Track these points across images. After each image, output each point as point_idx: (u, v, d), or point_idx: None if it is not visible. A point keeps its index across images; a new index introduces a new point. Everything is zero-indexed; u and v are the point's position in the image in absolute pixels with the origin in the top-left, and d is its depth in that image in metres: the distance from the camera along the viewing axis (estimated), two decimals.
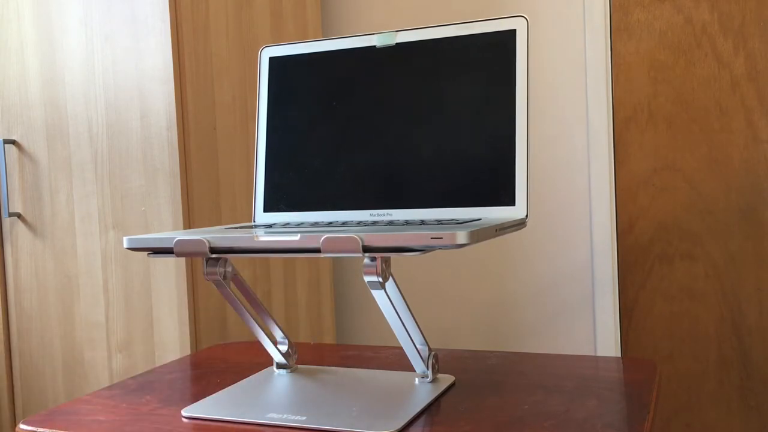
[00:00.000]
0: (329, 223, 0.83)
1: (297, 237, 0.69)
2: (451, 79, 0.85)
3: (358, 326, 1.91)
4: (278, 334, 0.89)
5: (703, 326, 1.62)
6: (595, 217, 1.65)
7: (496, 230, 0.72)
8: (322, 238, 0.67)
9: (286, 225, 0.86)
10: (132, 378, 0.93)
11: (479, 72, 0.84)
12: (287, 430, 0.69)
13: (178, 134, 1.31)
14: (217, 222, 1.40)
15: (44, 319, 1.48)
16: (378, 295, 0.72)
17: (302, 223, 0.86)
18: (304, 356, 1.00)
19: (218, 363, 1.00)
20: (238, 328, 1.45)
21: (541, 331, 1.73)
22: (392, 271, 0.73)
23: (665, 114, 1.62)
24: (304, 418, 0.71)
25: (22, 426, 0.76)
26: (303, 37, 1.72)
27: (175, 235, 0.76)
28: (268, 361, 0.98)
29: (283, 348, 0.89)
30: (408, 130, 0.86)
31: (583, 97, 1.66)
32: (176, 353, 1.34)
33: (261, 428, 0.70)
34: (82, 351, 1.44)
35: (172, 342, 1.34)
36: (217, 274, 0.78)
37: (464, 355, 0.97)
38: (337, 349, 1.05)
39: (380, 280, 0.70)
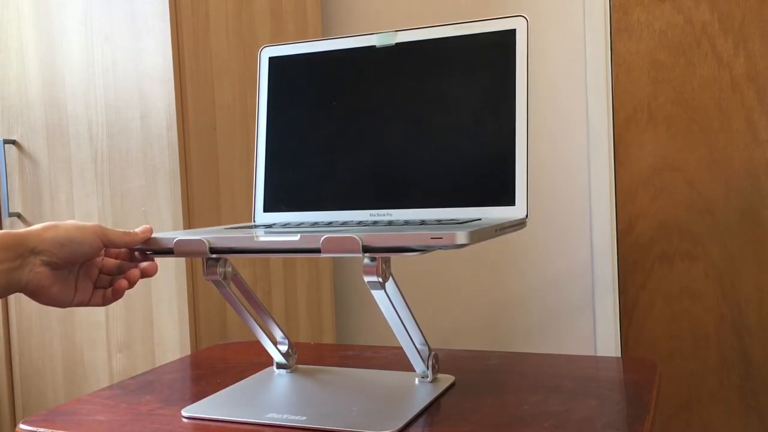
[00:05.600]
0: (329, 223, 0.83)
1: (297, 237, 0.69)
2: (451, 78, 0.85)
3: (358, 326, 1.91)
4: (278, 334, 0.89)
5: (703, 326, 1.62)
6: (595, 217, 1.65)
7: (496, 230, 0.72)
8: (322, 238, 0.67)
9: (286, 225, 0.86)
10: (132, 378, 0.93)
11: (479, 72, 0.84)
12: (287, 430, 0.69)
13: (178, 134, 1.31)
14: (217, 222, 1.40)
15: (44, 319, 1.48)
16: (378, 295, 0.72)
17: (302, 223, 0.86)
18: (304, 356, 1.00)
19: (218, 363, 1.00)
20: (238, 328, 1.45)
21: (541, 331, 1.73)
22: (392, 271, 0.72)
23: (665, 114, 1.62)
24: (304, 418, 0.71)
25: (22, 426, 0.76)
26: (303, 37, 1.72)
27: (175, 235, 0.76)
28: (268, 361, 0.98)
29: (283, 348, 0.89)
30: (408, 130, 0.86)
31: (583, 97, 1.66)
32: (176, 353, 1.34)
33: (261, 428, 0.70)
34: (82, 351, 1.44)
35: (172, 342, 1.34)
36: (217, 274, 0.78)
37: (464, 355, 0.97)
38: (337, 349, 1.05)
39: (380, 280, 0.70)
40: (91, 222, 0.77)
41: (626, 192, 1.66)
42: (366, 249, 0.66)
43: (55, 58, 1.42)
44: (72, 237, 0.71)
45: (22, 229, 0.70)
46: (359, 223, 0.82)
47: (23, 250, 0.69)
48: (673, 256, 1.63)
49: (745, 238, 1.58)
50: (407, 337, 0.77)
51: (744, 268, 1.58)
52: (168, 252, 0.75)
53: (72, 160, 1.42)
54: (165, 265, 1.34)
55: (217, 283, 0.79)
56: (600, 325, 1.66)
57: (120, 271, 0.79)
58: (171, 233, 0.79)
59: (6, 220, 1.50)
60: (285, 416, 0.72)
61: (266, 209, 0.93)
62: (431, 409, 0.74)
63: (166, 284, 1.34)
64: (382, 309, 0.74)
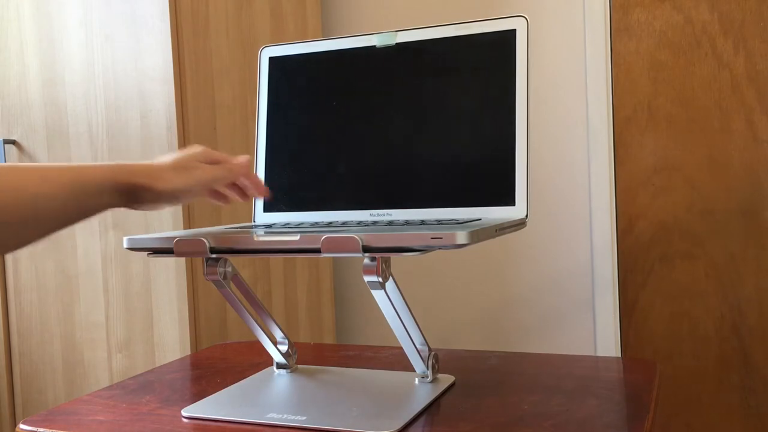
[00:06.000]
0: (329, 223, 0.83)
1: (297, 237, 0.69)
2: (451, 79, 0.85)
3: (358, 326, 1.91)
4: (278, 334, 0.89)
5: (703, 326, 1.62)
6: (595, 217, 1.65)
7: (496, 230, 0.72)
8: (322, 238, 0.67)
9: (286, 225, 0.86)
10: (132, 378, 0.93)
11: (479, 72, 0.84)
12: (287, 430, 0.69)
13: (178, 134, 1.31)
14: (217, 222, 1.40)
15: (44, 319, 1.48)
16: (378, 295, 0.72)
17: (302, 223, 0.86)
18: (304, 356, 1.00)
19: (218, 363, 1.00)
20: (238, 328, 1.45)
21: (541, 331, 1.73)
22: (392, 271, 0.73)
23: (665, 114, 1.62)
24: (304, 418, 0.71)
25: (22, 426, 0.76)
26: (303, 37, 1.72)
27: (175, 235, 0.76)
28: (268, 361, 0.98)
29: (283, 348, 0.89)
30: (408, 130, 0.86)
31: (583, 97, 1.66)
32: (176, 353, 1.34)
33: (261, 428, 0.70)
34: (82, 351, 1.44)
35: (172, 342, 1.34)
36: (217, 274, 0.78)
37: (464, 355, 0.97)
38: (337, 349, 1.05)
39: (380, 280, 0.70)
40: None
41: (626, 192, 1.66)
42: (366, 249, 0.66)
43: (55, 58, 1.42)
44: (183, 198, 0.75)
45: (136, 177, 0.71)
46: (359, 223, 0.82)
47: (137, 199, 0.73)
48: (673, 256, 1.63)
49: (745, 238, 1.58)
50: (407, 337, 0.77)
51: (744, 268, 1.58)
52: (168, 252, 0.75)
53: (72, 160, 1.42)
54: (165, 265, 1.34)
55: (217, 283, 0.79)
56: (600, 325, 1.66)
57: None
58: (171, 233, 0.79)
59: None
60: (285, 416, 0.72)
61: (266, 209, 0.93)
62: (431, 409, 0.74)
63: (166, 284, 1.34)
64: (382, 309, 0.74)
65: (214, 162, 0.78)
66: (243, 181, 0.82)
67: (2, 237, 0.61)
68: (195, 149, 0.78)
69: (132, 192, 0.71)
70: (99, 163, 0.71)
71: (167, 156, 0.76)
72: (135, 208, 0.75)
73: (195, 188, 0.75)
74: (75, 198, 0.66)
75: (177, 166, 0.74)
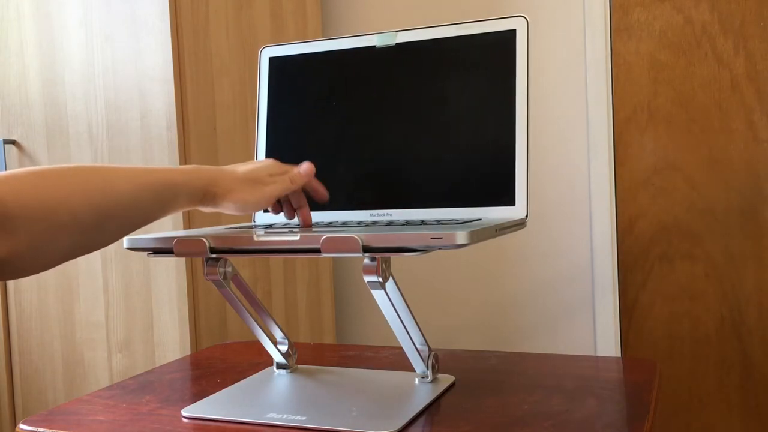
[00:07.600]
0: (329, 223, 0.83)
1: (297, 237, 0.69)
2: (451, 79, 0.85)
3: (358, 326, 1.91)
4: (278, 334, 0.89)
5: (703, 326, 1.62)
6: (595, 217, 1.65)
7: (496, 230, 0.72)
8: (322, 238, 0.67)
9: (286, 225, 0.86)
10: (132, 378, 0.93)
11: (479, 72, 0.84)
12: (287, 430, 0.69)
13: (178, 134, 1.31)
14: (217, 222, 1.40)
15: (44, 319, 1.48)
16: (378, 295, 0.72)
17: None
18: (304, 356, 1.00)
19: (218, 363, 1.00)
20: (238, 328, 1.45)
21: (541, 331, 1.73)
22: (392, 271, 0.73)
23: (665, 114, 1.62)
24: (304, 418, 0.71)
25: (22, 426, 0.76)
26: (303, 37, 1.72)
27: (175, 235, 0.76)
28: (268, 361, 0.98)
29: (283, 348, 0.89)
30: (408, 130, 0.86)
31: (583, 97, 1.66)
32: (176, 353, 1.34)
33: (261, 428, 0.70)
34: (82, 351, 1.44)
35: (172, 342, 1.34)
36: (217, 274, 0.78)
37: (464, 355, 0.97)
38: (337, 349, 1.05)
39: (380, 280, 0.70)
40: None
41: (626, 192, 1.66)
42: (366, 249, 0.66)
43: (55, 58, 1.42)
44: (251, 210, 0.80)
45: (212, 185, 0.76)
46: (359, 223, 0.82)
47: (209, 204, 0.78)
48: (673, 256, 1.63)
49: (745, 238, 1.58)
50: (407, 337, 0.77)
51: (744, 268, 1.58)
52: (168, 252, 0.75)
53: (72, 160, 1.42)
54: (165, 265, 1.34)
55: (217, 283, 0.79)
56: (600, 325, 1.66)
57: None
58: (171, 233, 0.79)
59: None
60: (285, 416, 0.72)
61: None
62: (431, 409, 0.74)
63: (166, 284, 1.34)
64: (382, 309, 0.74)
65: (282, 173, 0.82)
66: (307, 187, 0.85)
67: (96, 234, 0.67)
68: (266, 162, 0.82)
69: (206, 197, 0.77)
70: (180, 166, 0.76)
71: (242, 166, 0.80)
72: (204, 209, 0.80)
73: (262, 202, 0.79)
74: (157, 199, 0.72)
75: (249, 179, 0.79)
